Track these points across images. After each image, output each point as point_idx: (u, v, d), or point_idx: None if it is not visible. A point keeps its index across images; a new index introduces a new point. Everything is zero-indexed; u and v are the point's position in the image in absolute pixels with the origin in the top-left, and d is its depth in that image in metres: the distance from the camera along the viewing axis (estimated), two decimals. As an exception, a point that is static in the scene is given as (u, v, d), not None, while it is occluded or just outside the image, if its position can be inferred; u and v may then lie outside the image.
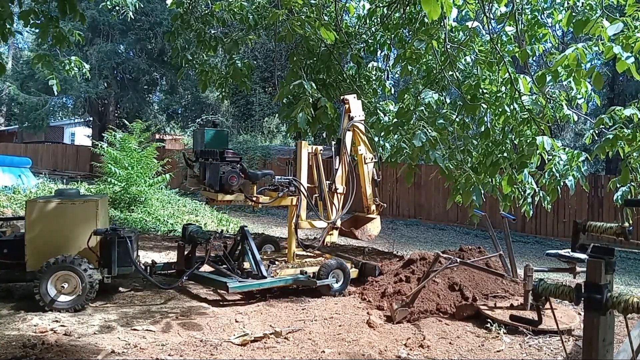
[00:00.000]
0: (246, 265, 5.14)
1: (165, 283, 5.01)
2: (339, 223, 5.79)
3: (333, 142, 5.97)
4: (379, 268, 5.59)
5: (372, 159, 5.98)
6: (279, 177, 5.44)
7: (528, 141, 5.73)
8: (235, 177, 4.96)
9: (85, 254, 4.50)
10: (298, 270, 5.26)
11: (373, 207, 6.02)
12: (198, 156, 5.22)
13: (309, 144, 5.76)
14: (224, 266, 5.17)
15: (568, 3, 6.16)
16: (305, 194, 5.52)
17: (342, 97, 5.99)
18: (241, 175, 5.04)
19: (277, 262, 5.47)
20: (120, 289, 5.11)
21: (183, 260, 5.25)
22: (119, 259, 4.60)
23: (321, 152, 5.80)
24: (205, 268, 5.18)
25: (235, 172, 4.98)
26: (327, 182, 5.77)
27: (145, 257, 6.04)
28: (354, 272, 5.57)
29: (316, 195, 5.80)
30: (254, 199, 5.21)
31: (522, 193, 6.00)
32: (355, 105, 5.91)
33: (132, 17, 10.63)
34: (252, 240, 5.11)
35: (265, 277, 4.88)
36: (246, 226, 5.26)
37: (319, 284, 5.08)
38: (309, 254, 5.90)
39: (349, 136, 5.83)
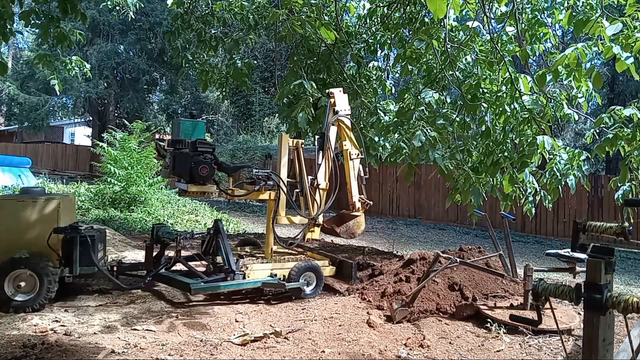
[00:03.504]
0: (219, 260, 4.97)
1: (129, 284, 4.93)
2: (321, 220, 5.65)
3: (317, 137, 5.87)
4: (355, 266, 5.40)
5: (358, 155, 5.79)
6: (257, 170, 5.30)
7: (528, 141, 5.72)
8: (206, 167, 4.74)
9: (46, 252, 4.41)
10: (270, 266, 5.05)
11: (358, 205, 5.83)
12: (169, 146, 5.01)
13: (291, 137, 5.61)
14: (199, 264, 5.02)
15: (568, 2, 6.16)
16: (285, 188, 5.33)
17: (327, 91, 5.83)
18: (213, 166, 4.82)
19: (253, 258, 5.28)
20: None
21: (152, 260, 5.09)
22: (81, 258, 4.49)
23: (303, 146, 5.65)
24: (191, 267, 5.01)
25: (206, 163, 4.76)
26: (310, 177, 5.59)
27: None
28: (331, 270, 5.40)
29: (297, 190, 5.64)
30: (229, 191, 5.04)
31: (523, 193, 6.00)
32: (340, 99, 5.73)
33: (133, 17, 10.63)
34: (225, 235, 4.94)
35: (234, 272, 4.72)
36: (220, 220, 5.09)
37: (288, 287, 4.84)
38: (290, 251, 5.75)
39: (333, 130, 5.68)
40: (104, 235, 5.15)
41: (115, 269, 4.90)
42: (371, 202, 6.04)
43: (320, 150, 5.63)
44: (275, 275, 4.92)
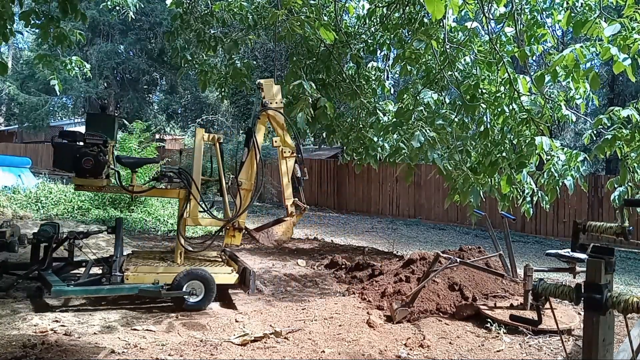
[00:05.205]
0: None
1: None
2: (243, 223, 5.10)
3: (241, 131, 5.61)
4: (254, 275, 4.73)
5: (291, 153, 5.28)
6: (166, 166, 4.98)
7: (527, 141, 5.73)
8: (91, 160, 4.42)
9: None
10: (157, 271, 4.69)
11: (292, 209, 5.28)
12: (59, 138, 4.68)
13: (207, 133, 5.18)
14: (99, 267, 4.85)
15: (567, 3, 6.17)
16: (197, 187, 4.89)
17: (257, 82, 5.38)
18: (101, 160, 4.48)
19: (162, 262, 4.98)
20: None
21: (37, 259, 4.78)
22: None
23: (219, 141, 5.23)
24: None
25: (92, 155, 4.43)
26: (232, 175, 5.17)
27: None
28: (233, 278, 4.88)
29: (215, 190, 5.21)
30: (130, 188, 4.73)
31: (521, 193, 6.00)
32: (269, 90, 5.22)
33: (133, 17, 10.63)
34: (121, 235, 4.74)
35: (110, 275, 4.48)
36: (121, 219, 4.89)
37: (164, 295, 4.50)
38: (213, 258, 5.40)
39: (260, 126, 5.20)
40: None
41: None
42: (308, 207, 5.48)
43: (246, 147, 5.18)
44: (158, 281, 4.55)
